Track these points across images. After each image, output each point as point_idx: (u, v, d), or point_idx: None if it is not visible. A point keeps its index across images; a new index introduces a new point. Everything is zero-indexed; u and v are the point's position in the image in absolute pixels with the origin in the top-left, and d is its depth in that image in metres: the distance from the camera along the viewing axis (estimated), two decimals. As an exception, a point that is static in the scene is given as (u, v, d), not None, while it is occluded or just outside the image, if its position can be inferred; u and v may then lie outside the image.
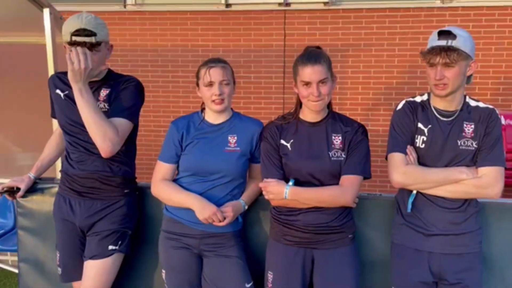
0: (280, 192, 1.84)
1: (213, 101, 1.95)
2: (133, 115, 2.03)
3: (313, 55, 1.83)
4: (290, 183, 1.86)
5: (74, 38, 1.89)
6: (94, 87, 2.03)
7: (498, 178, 1.76)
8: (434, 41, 1.74)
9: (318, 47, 1.91)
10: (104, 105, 2.02)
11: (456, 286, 1.82)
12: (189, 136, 1.99)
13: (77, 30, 1.89)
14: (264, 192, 1.89)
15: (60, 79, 2.11)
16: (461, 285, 1.81)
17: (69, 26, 1.92)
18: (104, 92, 2.04)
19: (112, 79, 2.07)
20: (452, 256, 1.82)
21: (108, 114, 1.98)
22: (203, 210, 1.90)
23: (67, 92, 2.06)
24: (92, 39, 1.90)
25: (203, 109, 2.07)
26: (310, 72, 1.80)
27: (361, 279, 1.97)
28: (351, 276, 1.90)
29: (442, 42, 1.71)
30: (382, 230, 2.06)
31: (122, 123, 1.97)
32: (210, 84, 1.93)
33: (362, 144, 1.89)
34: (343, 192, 1.83)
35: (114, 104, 2.01)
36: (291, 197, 1.83)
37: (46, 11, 2.48)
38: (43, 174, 2.33)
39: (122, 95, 2.02)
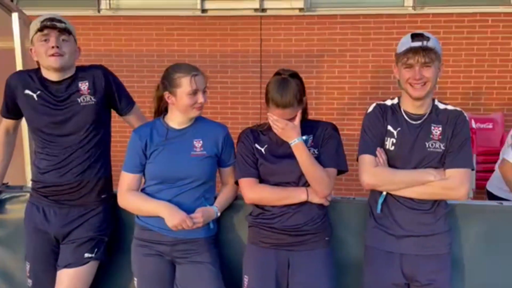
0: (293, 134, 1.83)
1: (195, 108, 1.94)
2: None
3: (285, 97, 1.80)
4: (304, 137, 1.87)
5: (44, 23, 1.93)
6: (68, 82, 2.03)
7: (464, 179, 1.79)
8: (408, 43, 1.78)
9: (293, 74, 1.87)
10: (91, 98, 2.04)
11: (427, 287, 1.84)
12: (152, 143, 1.96)
13: (47, 19, 1.95)
14: (276, 123, 1.85)
15: (28, 78, 2.05)
16: (432, 286, 1.84)
17: (38, 20, 1.97)
18: (83, 85, 2.04)
19: (80, 71, 2.09)
20: (423, 257, 1.85)
21: (122, 108, 2.15)
22: (172, 217, 1.88)
23: (39, 92, 2.02)
24: (62, 25, 1.96)
25: (164, 115, 2.04)
26: (281, 114, 1.83)
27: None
28: (327, 278, 1.91)
29: (418, 43, 1.75)
30: (356, 233, 2.07)
31: (137, 109, 2.21)
32: (195, 92, 1.91)
33: (333, 138, 1.93)
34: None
35: (120, 100, 2.13)
36: (295, 150, 1.83)
37: (15, 16, 2.43)
38: (13, 182, 2.27)
39: (115, 88, 2.11)
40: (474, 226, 2.04)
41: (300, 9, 5.10)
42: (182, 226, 1.87)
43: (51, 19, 1.96)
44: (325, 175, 1.85)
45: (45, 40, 1.95)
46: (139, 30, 5.28)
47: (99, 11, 5.30)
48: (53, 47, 1.94)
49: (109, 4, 5.35)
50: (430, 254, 1.85)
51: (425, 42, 1.74)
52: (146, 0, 5.29)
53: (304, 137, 1.86)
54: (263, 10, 5.16)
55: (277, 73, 1.89)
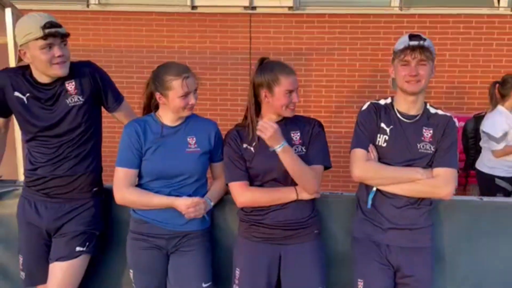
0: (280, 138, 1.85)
1: (187, 108, 1.96)
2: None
3: (289, 67, 1.97)
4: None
5: (47, 30, 1.86)
6: (57, 84, 2.00)
7: (450, 179, 1.88)
8: (406, 42, 1.86)
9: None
10: (79, 98, 2.01)
11: (410, 278, 1.93)
12: (147, 140, 1.97)
13: (48, 24, 1.87)
14: (262, 129, 1.84)
15: (17, 79, 2.00)
16: (414, 278, 1.93)
17: (34, 23, 1.87)
18: (70, 85, 2.00)
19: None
20: (406, 249, 1.93)
21: (110, 105, 2.12)
22: (184, 200, 1.92)
23: (28, 94, 1.99)
24: (63, 30, 1.94)
25: (155, 111, 2.05)
26: (293, 82, 1.92)
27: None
28: (318, 270, 1.98)
29: (415, 42, 1.84)
30: (344, 227, 2.15)
31: (126, 105, 2.18)
32: (186, 94, 1.93)
33: (320, 136, 2.00)
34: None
35: (107, 98, 2.11)
36: (283, 154, 1.84)
37: (8, 11, 2.43)
38: (6, 176, 2.28)
39: (102, 87, 2.08)
40: (455, 220, 2.12)
41: (289, 8, 5.15)
42: (195, 208, 1.92)
43: (52, 25, 1.88)
44: (313, 173, 1.91)
45: (49, 48, 1.89)
46: (129, 26, 5.27)
47: (88, 6, 5.27)
48: (59, 56, 1.90)
49: (99, -1, 5.33)
50: (413, 247, 1.93)
51: (422, 42, 1.84)
52: (136, -5, 5.29)
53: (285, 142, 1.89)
54: (253, 8, 5.20)
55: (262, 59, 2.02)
